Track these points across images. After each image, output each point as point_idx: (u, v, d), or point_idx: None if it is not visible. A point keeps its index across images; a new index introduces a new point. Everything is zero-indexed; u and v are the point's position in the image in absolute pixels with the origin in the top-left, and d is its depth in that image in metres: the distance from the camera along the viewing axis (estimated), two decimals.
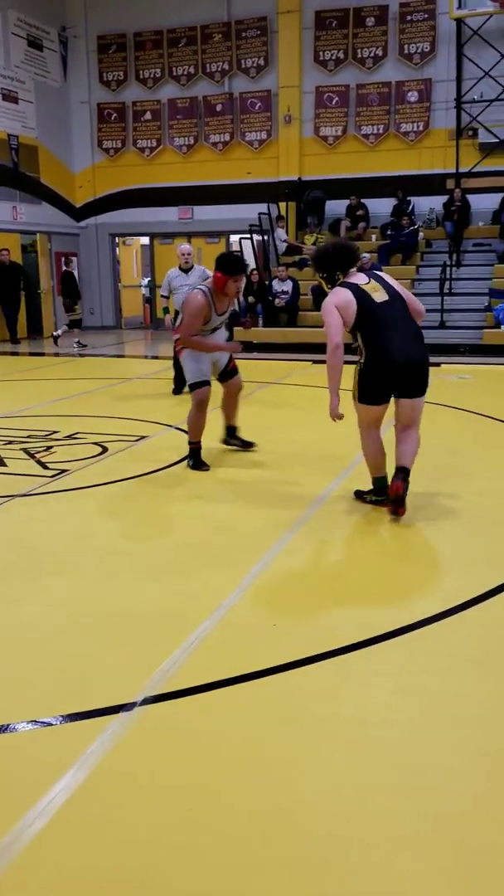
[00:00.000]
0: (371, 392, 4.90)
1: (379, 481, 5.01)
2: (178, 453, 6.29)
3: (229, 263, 5.75)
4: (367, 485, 5.05)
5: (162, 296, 9.38)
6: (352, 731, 2.61)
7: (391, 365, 4.77)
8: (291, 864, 2.04)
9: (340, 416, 4.84)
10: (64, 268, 16.26)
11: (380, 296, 4.81)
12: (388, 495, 4.73)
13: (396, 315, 4.82)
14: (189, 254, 9.08)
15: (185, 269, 8.97)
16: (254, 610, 3.51)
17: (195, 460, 5.96)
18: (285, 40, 16.42)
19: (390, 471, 4.83)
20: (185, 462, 5.99)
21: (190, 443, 5.99)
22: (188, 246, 9.36)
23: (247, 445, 6.38)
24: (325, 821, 2.20)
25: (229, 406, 6.35)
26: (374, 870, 2.03)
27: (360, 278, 4.90)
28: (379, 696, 2.82)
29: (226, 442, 6.42)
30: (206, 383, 5.93)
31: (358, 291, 4.79)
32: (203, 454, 5.94)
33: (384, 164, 16.07)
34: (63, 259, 17.12)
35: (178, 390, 9.30)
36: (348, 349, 4.87)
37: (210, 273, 7.86)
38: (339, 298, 4.79)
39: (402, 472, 4.67)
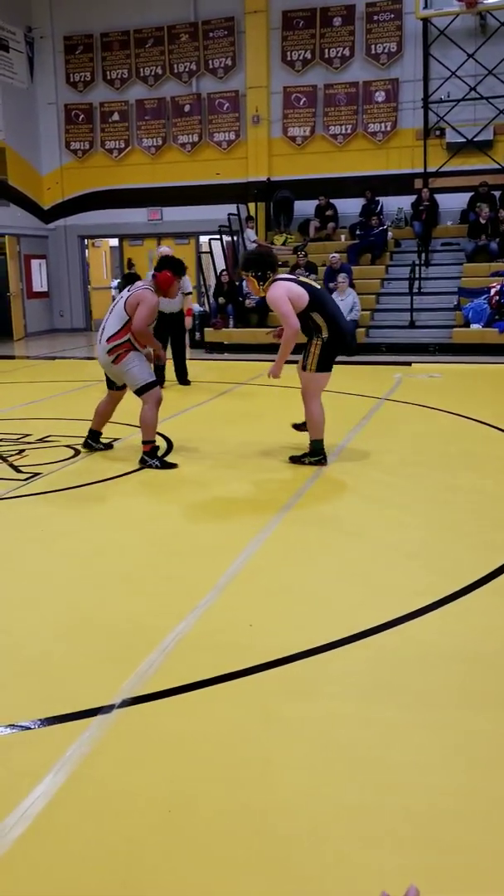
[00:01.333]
0: (329, 362, 5.97)
1: (319, 443, 5.96)
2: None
3: (178, 265, 6.17)
4: (336, 484, 5.09)
5: None
6: (327, 731, 2.63)
7: (345, 338, 6.00)
8: (268, 864, 2.05)
9: (278, 377, 5.99)
10: (128, 270, 15.86)
11: (317, 285, 6.14)
12: (324, 455, 5.87)
13: (332, 300, 6.09)
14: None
15: None
16: (230, 610, 3.52)
17: (161, 460, 5.99)
18: (252, 40, 16.43)
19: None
20: (149, 465, 5.95)
21: (148, 443, 6.02)
22: (167, 248, 9.63)
23: (108, 448, 6.50)
24: (301, 820, 2.22)
25: (109, 413, 6.46)
26: (349, 868, 2.05)
27: (290, 277, 6.07)
28: (354, 694, 2.84)
29: (88, 445, 6.46)
30: (157, 382, 6.14)
31: (303, 283, 5.90)
32: (184, 455, 5.95)
33: (352, 164, 16.14)
34: (128, 261, 16.80)
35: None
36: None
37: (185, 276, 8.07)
38: (288, 290, 5.76)
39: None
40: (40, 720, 2.68)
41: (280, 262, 15.64)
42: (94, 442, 6.48)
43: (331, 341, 5.85)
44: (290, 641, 3.19)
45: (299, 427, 6.42)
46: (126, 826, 2.19)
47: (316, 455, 5.94)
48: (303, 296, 5.74)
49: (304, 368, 6.02)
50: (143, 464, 5.97)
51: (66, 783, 2.34)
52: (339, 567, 4.05)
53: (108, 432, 7.24)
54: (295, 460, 5.96)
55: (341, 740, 2.57)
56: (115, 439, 6.94)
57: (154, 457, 6.00)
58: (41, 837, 2.14)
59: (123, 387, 6.30)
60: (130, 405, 8.53)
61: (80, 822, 2.21)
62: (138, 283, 6.16)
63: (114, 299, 6.09)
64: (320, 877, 2.02)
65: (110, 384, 6.39)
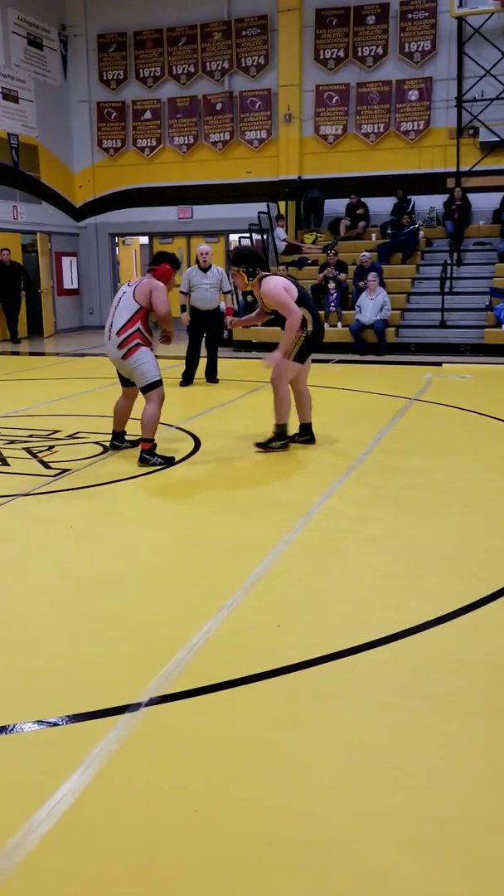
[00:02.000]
0: (304, 355, 6.35)
1: (283, 427, 6.36)
2: (179, 453, 6.29)
3: (174, 258, 6.24)
4: (362, 482, 5.05)
5: (182, 292, 9.72)
6: (354, 735, 2.61)
7: (321, 334, 6.42)
8: (295, 867, 2.04)
9: (276, 364, 6.21)
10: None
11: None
12: (290, 439, 6.36)
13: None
14: (208, 253, 9.68)
15: (204, 268, 9.58)
16: (257, 611, 3.51)
17: (161, 456, 5.97)
18: (285, 39, 16.40)
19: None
20: (151, 463, 5.89)
21: (147, 441, 5.96)
22: (207, 246, 9.93)
23: (134, 445, 6.36)
24: (328, 823, 2.20)
25: (127, 412, 6.43)
26: (377, 873, 2.03)
27: (278, 273, 6.59)
28: (382, 699, 2.81)
29: (115, 447, 6.42)
30: (162, 381, 6.11)
31: (290, 278, 6.40)
32: (207, 455, 5.95)
33: (384, 163, 16.06)
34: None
35: (186, 382, 9.61)
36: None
37: (223, 272, 8.39)
38: (283, 282, 6.17)
39: (310, 427, 6.60)
40: (68, 717, 2.69)
41: (309, 261, 15.61)
42: (119, 442, 6.47)
43: (312, 336, 6.28)
44: (318, 643, 3.17)
45: (300, 440, 6.60)
46: (153, 825, 2.19)
47: (281, 439, 6.34)
48: (293, 290, 6.16)
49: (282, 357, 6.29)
50: (144, 463, 5.90)
51: (94, 781, 2.34)
52: (367, 569, 4.01)
53: (138, 429, 7.26)
54: (261, 446, 6.32)
55: (369, 744, 2.55)
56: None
57: (154, 455, 5.96)
58: (68, 835, 2.14)
59: (126, 385, 6.30)
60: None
61: (106, 820, 2.21)
62: (140, 278, 6.11)
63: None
64: (348, 882, 1.99)
65: (124, 382, 6.32)
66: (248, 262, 6.23)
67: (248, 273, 6.21)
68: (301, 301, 6.15)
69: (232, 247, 17.42)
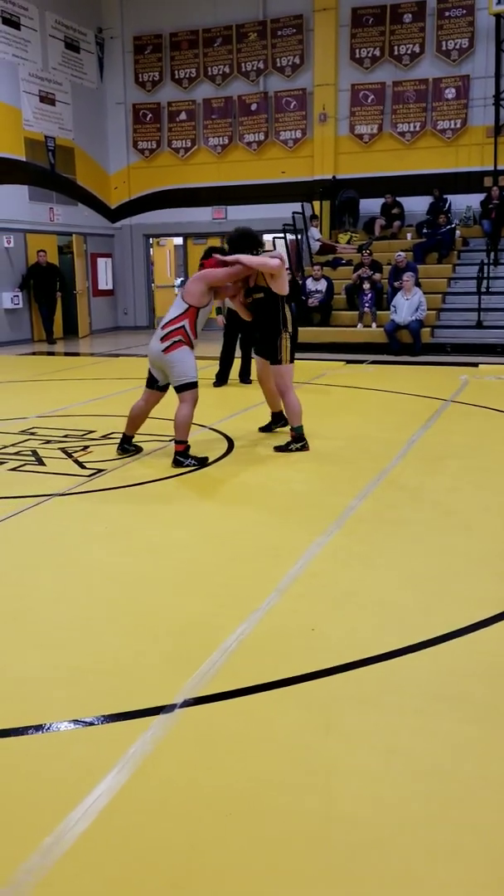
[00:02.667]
0: (294, 354, 6.46)
1: (300, 429, 6.40)
2: (212, 453, 6.30)
3: (221, 250, 6.41)
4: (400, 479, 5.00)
5: None
6: (390, 740, 2.59)
7: (297, 333, 6.62)
8: (329, 874, 2.03)
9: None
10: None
11: None
12: (306, 440, 6.36)
13: None
14: None
15: None
16: (291, 613, 3.50)
17: (196, 458, 5.95)
18: (321, 38, 16.36)
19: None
20: (185, 465, 5.87)
21: (181, 443, 5.93)
22: None
23: (138, 451, 6.37)
24: (364, 830, 2.18)
25: (144, 416, 6.33)
26: (412, 879, 2.01)
27: None
28: (418, 704, 2.79)
29: (123, 449, 6.32)
30: (197, 383, 6.04)
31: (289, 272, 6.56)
32: (246, 454, 5.94)
33: (420, 162, 15.95)
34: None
35: (220, 382, 9.63)
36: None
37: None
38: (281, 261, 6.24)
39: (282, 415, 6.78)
40: (103, 717, 2.70)
41: (344, 261, 15.53)
42: (129, 446, 6.33)
43: (294, 335, 6.49)
44: (353, 647, 3.15)
45: (273, 428, 6.97)
46: (187, 826, 2.19)
47: (299, 441, 6.41)
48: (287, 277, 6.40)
49: (278, 362, 6.41)
50: (178, 465, 5.87)
51: (129, 781, 2.35)
52: (403, 572, 3.98)
53: (173, 430, 7.31)
54: (280, 449, 6.39)
55: (405, 750, 2.53)
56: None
57: (188, 457, 5.92)
58: (104, 834, 2.15)
59: (164, 388, 6.17)
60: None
61: (142, 820, 2.22)
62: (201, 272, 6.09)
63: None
64: (383, 889, 1.98)
65: (151, 383, 6.16)
66: (249, 244, 6.26)
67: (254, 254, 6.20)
68: (292, 296, 6.31)
69: (266, 247, 17.41)
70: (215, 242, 18.30)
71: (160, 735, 2.58)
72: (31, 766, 2.47)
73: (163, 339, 5.87)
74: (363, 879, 2.01)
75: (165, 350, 5.87)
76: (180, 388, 5.95)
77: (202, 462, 5.96)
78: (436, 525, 4.68)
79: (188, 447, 5.99)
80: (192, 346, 5.95)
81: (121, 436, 6.43)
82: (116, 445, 6.43)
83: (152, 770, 2.41)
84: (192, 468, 5.87)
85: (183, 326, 5.86)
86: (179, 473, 5.79)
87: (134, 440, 6.42)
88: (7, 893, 1.94)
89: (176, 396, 6.04)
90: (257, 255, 6.22)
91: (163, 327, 5.90)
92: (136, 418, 6.31)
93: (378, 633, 3.29)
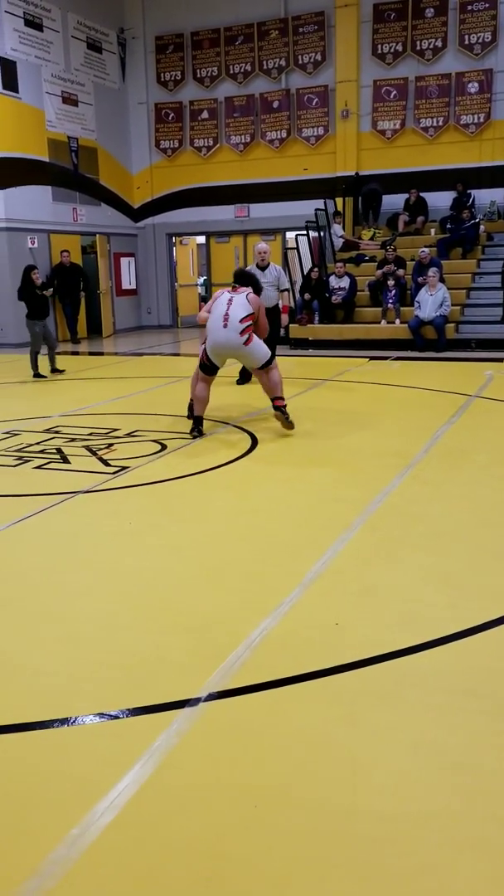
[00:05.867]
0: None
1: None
2: (236, 450, 6.31)
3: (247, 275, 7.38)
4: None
5: None
6: (414, 734, 2.58)
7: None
8: (354, 866, 2.03)
9: None
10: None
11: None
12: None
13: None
14: (266, 252, 9.63)
15: (262, 267, 9.55)
16: (315, 608, 3.49)
17: (288, 419, 6.99)
18: (343, 34, 16.30)
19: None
20: (285, 416, 6.88)
21: (281, 398, 7.02)
22: (265, 245, 9.82)
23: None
24: (389, 823, 2.18)
25: (209, 396, 7.23)
26: (436, 872, 2.00)
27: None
28: (442, 699, 2.78)
29: (199, 432, 6.96)
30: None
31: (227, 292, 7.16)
32: (264, 452, 5.94)
33: (444, 157, 15.84)
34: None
35: (243, 380, 9.69)
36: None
37: (281, 270, 9.16)
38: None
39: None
40: (128, 710, 2.72)
41: (367, 257, 15.46)
42: (201, 427, 6.97)
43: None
44: (377, 642, 3.14)
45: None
46: (212, 819, 2.20)
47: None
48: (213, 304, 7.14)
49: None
50: (281, 413, 6.93)
51: (154, 774, 2.37)
52: (428, 568, 3.96)
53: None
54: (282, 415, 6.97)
55: (429, 745, 2.52)
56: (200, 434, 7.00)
57: (286, 412, 6.96)
58: (129, 826, 2.17)
59: (215, 373, 7.11)
60: (219, 402, 8.60)
61: (167, 812, 2.23)
62: (242, 289, 7.08)
63: (199, 296, 6.76)
64: (408, 882, 1.98)
65: (212, 370, 7.04)
66: (254, 286, 7.19)
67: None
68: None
69: (289, 244, 17.40)
70: (238, 242, 18.35)
71: (185, 728, 2.59)
72: (57, 758, 2.49)
73: (241, 333, 6.85)
74: (389, 872, 2.00)
75: (245, 343, 6.87)
76: (264, 366, 7.05)
77: (290, 424, 6.94)
78: (460, 520, 4.65)
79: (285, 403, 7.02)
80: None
81: (192, 421, 7.03)
82: (150, 441, 6.46)
83: (177, 763, 2.42)
84: (288, 423, 6.90)
85: (252, 324, 6.96)
86: (201, 471, 5.81)
87: (199, 423, 6.98)
88: (34, 884, 1.96)
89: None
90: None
91: (240, 321, 6.82)
92: (206, 399, 7.10)
93: (402, 628, 3.28)
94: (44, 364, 11.03)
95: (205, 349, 6.98)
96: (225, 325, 6.81)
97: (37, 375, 10.86)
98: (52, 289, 11.12)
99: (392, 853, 2.06)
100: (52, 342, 11.20)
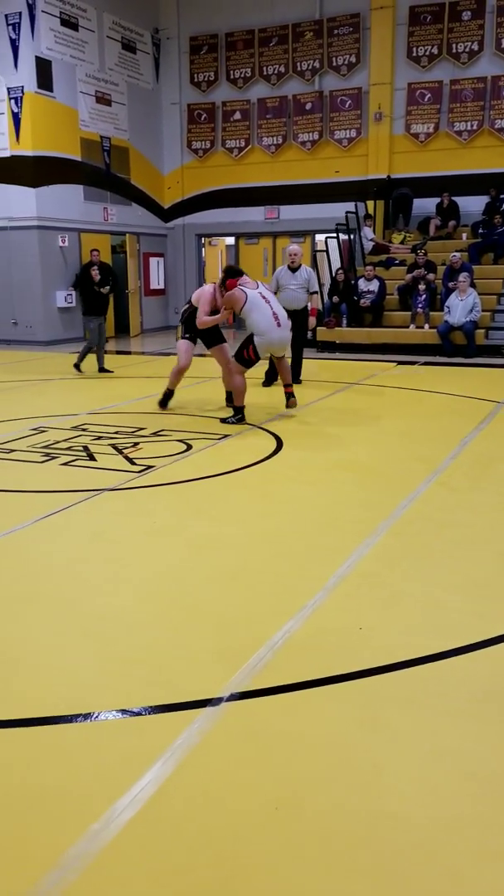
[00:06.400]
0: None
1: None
2: (261, 452, 6.31)
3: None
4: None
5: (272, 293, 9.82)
6: (439, 741, 2.56)
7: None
8: (376, 873, 2.01)
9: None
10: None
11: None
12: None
13: None
14: (297, 254, 9.74)
15: (293, 269, 9.53)
16: (339, 612, 3.48)
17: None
18: (378, 37, 16.25)
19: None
20: (292, 400, 7.76)
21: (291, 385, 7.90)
22: (297, 247, 9.89)
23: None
24: (412, 830, 2.16)
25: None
26: (456, 879, 1.98)
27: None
28: (466, 707, 2.75)
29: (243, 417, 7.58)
30: None
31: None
32: (290, 455, 5.93)
33: (477, 162, 15.73)
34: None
35: (269, 382, 9.75)
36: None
37: (311, 272, 9.32)
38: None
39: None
40: (150, 708, 2.72)
41: (397, 261, 15.40)
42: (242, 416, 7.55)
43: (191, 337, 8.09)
44: (401, 647, 3.13)
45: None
46: (233, 819, 2.20)
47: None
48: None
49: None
50: (292, 399, 7.74)
51: (175, 772, 2.37)
52: (453, 574, 3.93)
53: (221, 428, 7.35)
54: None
55: (454, 752, 2.50)
56: (226, 435, 7.01)
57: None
58: (150, 823, 2.17)
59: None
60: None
61: (187, 811, 2.23)
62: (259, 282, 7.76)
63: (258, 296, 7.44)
64: (425, 887, 1.96)
65: (252, 364, 7.71)
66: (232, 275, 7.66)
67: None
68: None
69: (318, 247, 17.38)
70: (267, 244, 18.36)
71: (206, 728, 2.59)
72: (79, 753, 2.50)
73: (289, 329, 7.55)
74: (410, 879, 1.99)
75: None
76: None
77: (292, 404, 7.78)
78: (487, 527, 4.61)
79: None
80: None
81: (240, 411, 7.53)
82: (176, 440, 6.48)
83: (198, 762, 2.42)
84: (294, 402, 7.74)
85: None
86: (226, 471, 5.81)
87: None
88: (55, 876, 1.97)
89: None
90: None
91: (289, 329, 7.51)
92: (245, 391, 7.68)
93: (426, 634, 3.26)
94: (85, 362, 11.25)
95: (253, 346, 7.43)
96: (279, 325, 7.36)
97: (76, 367, 11.05)
98: (108, 287, 11.28)
99: (414, 860, 2.05)
100: (102, 342, 11.40)
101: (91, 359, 11.50)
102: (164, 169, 18.93)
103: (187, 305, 8.02)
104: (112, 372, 11.38)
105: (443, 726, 2.63)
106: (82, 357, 11.29)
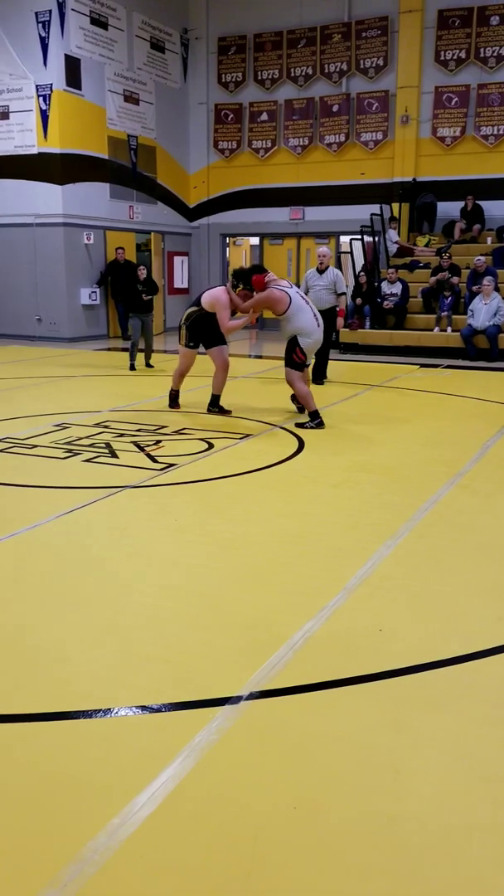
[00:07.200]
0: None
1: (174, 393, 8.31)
2: (283, 452, 6.31)
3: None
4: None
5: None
6: (459, 744, 2.55)
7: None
8: (395, 874, 2.01)
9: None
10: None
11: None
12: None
13: None
14: (326, 256, 9.86)
15: (321, 270, 9.65)
16: (359, 613, 3.48)
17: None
18: (406, 40, 16.20)
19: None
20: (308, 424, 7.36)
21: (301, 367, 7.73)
22: (326, 249, 10.07)
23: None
24: (432, 833, 2.16)
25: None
26: (473, 885, 1.98)
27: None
28: (487, 710, 2.74)
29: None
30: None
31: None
32: (311, 455, 5.92)
33: (503, 166, 15.64)
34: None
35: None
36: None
37: (339, 274, 9.57)
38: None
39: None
40: (170, 705, 2.73)
41: (421, 264, 15.35)
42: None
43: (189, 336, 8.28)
44: (421, 650, 3.12)
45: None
46: (251, 818, 2.20)
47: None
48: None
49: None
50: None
51: (195, 769, 2.38)
52: (473, 578, 3.92)
53: (243, 428, 7.35)
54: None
55: (474, 755, 2.49)
56: (247, 435, 7.01)
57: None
58: (169, 819, 2.18)
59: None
60: (267, 404, 8.55)
61: (206, 808, 2.23)
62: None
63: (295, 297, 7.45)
64: (442, 891, 1.95)
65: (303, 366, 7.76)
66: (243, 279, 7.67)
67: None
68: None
69: (342, 248, 17.35)
70: (291, 245, 18.35)
71: (225, 726, 2.60)
72: (99, 748, 2.51)
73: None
74: (428, 881, 1.98)
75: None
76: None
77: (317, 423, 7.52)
78: None
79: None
80: None
81: (316, 414, 7.40)
82: (198, 439, 6.49)
83: (217, 759, 2.43)
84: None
85: None
86: (248, 471, 5.81)
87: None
88: (75, 869, 1.99)
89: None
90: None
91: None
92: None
93: (446, 637, 3.25)
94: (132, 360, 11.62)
95: (300, 348, 7.42)
96: (319, 325, 7.46)
97: (132, 368, 11.51)
98: (151, 295, 11.50)
99: (433, 863, 2.04)
100: (149, 339, 11.80)
101: (140, 356, 11.83)
102: (190, 168, 18.98)
103: (194, 308, 7.97)
104: (153, 367, 11.76)
105: (464, 730, 2.62)
106: (132, 356, 11.55)
